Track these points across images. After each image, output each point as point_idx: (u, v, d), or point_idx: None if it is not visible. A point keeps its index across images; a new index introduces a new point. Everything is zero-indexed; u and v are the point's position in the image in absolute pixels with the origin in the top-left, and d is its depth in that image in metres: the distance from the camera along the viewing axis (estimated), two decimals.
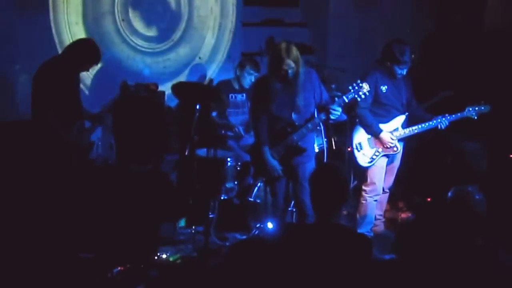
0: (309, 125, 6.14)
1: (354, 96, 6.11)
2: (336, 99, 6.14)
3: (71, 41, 7.68)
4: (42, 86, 6.49)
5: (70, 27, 8.46)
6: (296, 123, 6.14)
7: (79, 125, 6.81)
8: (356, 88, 6.09)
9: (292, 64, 5.94)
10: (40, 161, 6.49)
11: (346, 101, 6.11)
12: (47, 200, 6.39)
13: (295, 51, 5.97)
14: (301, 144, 6.22)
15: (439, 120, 6.77)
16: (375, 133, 6.79)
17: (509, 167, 7.33)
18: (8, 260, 5.66)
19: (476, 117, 6.79)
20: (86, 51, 6.67)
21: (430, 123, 6.79)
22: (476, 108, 6.78)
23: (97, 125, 7.05)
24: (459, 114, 6.78)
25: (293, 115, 6.12)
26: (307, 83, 6.11)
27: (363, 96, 6.13)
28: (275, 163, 6.22)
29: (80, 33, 8.39)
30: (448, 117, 6.77)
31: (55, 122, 6.47)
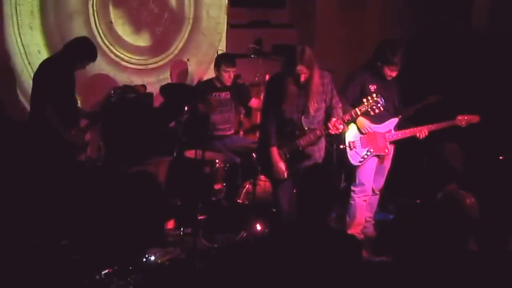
0: (317, 132, 6.14)
1: (368, 110, 6.14)
2: (345, 116, 6.16)
3: (21, 49, 7.28)
4: (42, 84, 6.59)
5: (21, 34, 7.08)
6: (305, 127, 6.14)
7: (76, 125, 6.89)
8: (371, 101, 6.11)
9: (304, 70, 5.94)
10: (31, 161, 6.51)
11: (359, 113, 6.15)
12: (35, 201, 6.38)
13: (308, 56, 5.95)
14: (309, 149, 6.21)
15: (419, 129, 6.85)
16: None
17: (499, 169, 7.37)
18: None
19: (464, 126, 6.89)
20: (82, 48, 6.71)
21: (412, 130, 6.88)
22: (466, 118, 6.88)
23: (93, 123, 7.08)
24: (449, 122, 6.89)
25: (303, 119, 6.12)
26: (320, 87, 6.11)
27: (377, 111, 6.17)
28: (281, 165, 6.20)
29: (35, 40, 7.17)
30: (431, 126, 6.86)
31: (55, 120, 6.54)
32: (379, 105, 6.13)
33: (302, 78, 5.98)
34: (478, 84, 8.33)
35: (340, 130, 6.16)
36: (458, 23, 9.52)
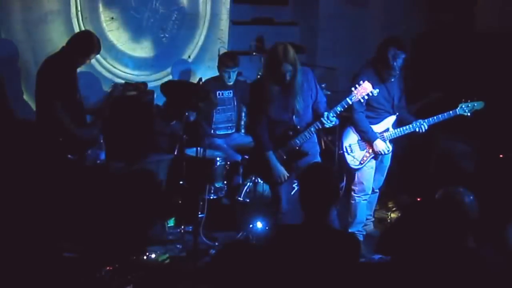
0: (312, 129, 6.11)
1: (358, 98, 6.08)
2: (337, 108, 6.07)
3: None
4: (48, 82, 6.57)
5: None
6: (298, 126, 6.11)
7: (84, 120, 6.96)
8: (359, 89, 6.06)
9: (290, 67, 5.88)
10: (38, 160, 6.54)
11: (350, 103, 6.09)
12: (36, 199, 6.39)
13: (292, 53, 5.90)
14: (304, 146, 6.18)
15: (418, 124, 6.74)
16: (369, 140, 6.75)
17: (499, 167, 7.36)
18: None
19: (469, 115, 6.68)
20: (85, 43, 6.69)
21: (410, 126, 6.77)
22: (469, 105, 6.67)
23: (99, 119, 7.11)
24: (451, 112, 6.69)
25: (294, 118, 6.08)
26: (305, 84, 6.07)
27: (366, 97, 6.11)
28: (281, 168, 6.16)
29: None
30: (431, 120, 6.72)
31: (63, 115, 6.56)
32: (367, 90, 6.07)
33: (288, 77, 5.91)
34: (480, 83, 8.29)
35: (334, 123, 6.10)
36: (462, 22, 9.51)
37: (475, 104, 6.69)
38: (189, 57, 8.09)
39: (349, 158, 6.86)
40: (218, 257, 6.43)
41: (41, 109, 6.72)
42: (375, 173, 6.98)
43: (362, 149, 6.82)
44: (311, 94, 6.16)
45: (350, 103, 6.10)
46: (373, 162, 6.91)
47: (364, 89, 6.06)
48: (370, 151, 6.81)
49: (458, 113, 6.69)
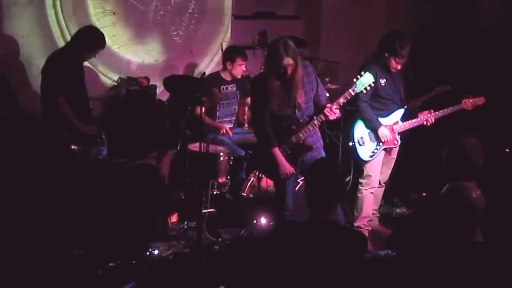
0: (315, 122, 6.06)
1: (361, 89, 6.03)
2: (340, 100, 5.99)
3: None
4: (52, 77, 6.63)
5: None
6: (301, 120, 6.06)
7: (89, 116, 7.01)
8: (361, 80, 6.00)
9: (291, 61, 5.84)
10: (37, 156, 6.52)
11: (353, 94, 6.02)
12: (39, 196, 6.36)
13: (292, 47, 5.86)
14: (308, 140, 6.13)
15: (425, 117, 6.82)
16: (373, 128, 6.78)
17: (505, 161, 7.34)
18: None
19: (471, 108, 6.85)
20: (89, 38, 6.68)
21: (418, 119, 6.85)
22: (471, 101, 6.83)
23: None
24: (456, 106, 6.83)
25: (297, 112, 6.03)
26: (305, 78, 6.03)
27: (368, 88, 6.06)
28: (287, 164, 6.09)
29: None
30: (437, 113, 6.83)
31: (69, 112, 6.63)
32: (370, 81, 6.01)
33: (289, 71, 5.86)
34: (484, 76, 8.27)
35: (337, 115, 6.05)
36: (465, 15, 9.47)
37: (476, 100, 6.86)
38: (191, 51, 7.47)
39: (360, 150, 6.88)
40: (225, 252, 6.41)
41: (45, 104, 6.78)
42: (382, 166, 7.02)
43: (373, 140, 6.85)
44: (312, 88, 6.13)
45: (353, 94, 6.05)
46: (382, 154, 6.92)
47: (366, 80, 6.02)
48: (381, 143, 6.79)
49: (461, 108, 6.85)
